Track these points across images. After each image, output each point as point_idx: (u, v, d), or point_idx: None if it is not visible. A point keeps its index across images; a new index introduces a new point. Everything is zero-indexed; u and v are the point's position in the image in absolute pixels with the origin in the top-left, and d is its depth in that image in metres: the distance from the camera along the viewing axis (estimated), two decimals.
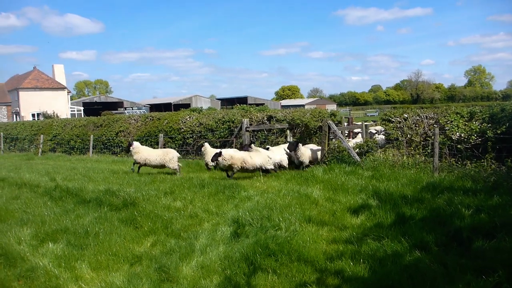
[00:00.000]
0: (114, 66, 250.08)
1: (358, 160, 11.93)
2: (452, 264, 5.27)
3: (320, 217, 7.58)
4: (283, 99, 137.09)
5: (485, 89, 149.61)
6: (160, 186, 10.62)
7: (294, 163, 13.25)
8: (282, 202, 8.41)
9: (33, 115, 52.34)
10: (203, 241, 6.65)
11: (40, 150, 24.93)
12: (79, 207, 9.16)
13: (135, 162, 14.13)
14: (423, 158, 11.43)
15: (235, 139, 16.62)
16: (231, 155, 12.04)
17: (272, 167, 12.46)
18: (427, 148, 11.72)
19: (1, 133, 28.11)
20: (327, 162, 12.60)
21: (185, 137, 18.96)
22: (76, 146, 23.76)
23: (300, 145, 13.06)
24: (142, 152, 14.02)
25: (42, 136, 25.54)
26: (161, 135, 18.52)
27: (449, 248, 5.87)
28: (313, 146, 13.98)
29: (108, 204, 9.00)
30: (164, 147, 17.47)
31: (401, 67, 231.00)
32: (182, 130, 19.22)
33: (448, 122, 11.73)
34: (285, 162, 13.12)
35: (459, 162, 10.82)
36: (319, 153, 13.33)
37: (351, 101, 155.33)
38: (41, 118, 47.11)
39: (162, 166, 13.88)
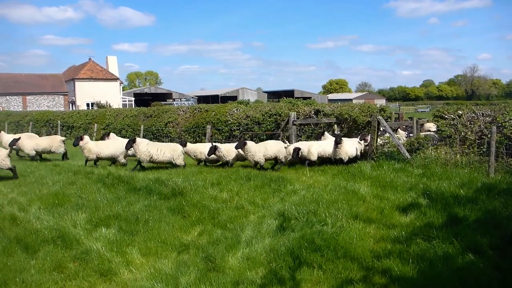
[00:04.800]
0: (164, 58, 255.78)
1: (408, 157, 11.60)
2: (508, 269, 5.04)
3: (367, 214, 7.45)
4: (330, 93, 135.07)
5: None
6: (207, 177, 10.80)
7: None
8: (328, 197, 8.34)
9: (87, 105, 54.72)
10: (249, 233, 6.72)
11: (94, 138, 26.00)
12: (130, 194, 9.50)
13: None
14: (478, 157, 10.95)
15: (281, 132, 16.59)
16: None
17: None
18: (482, 147, 11.21)
19: (59, 121, 29.46)
20: (375, 158, 12.34)
21: (232, 129, 19.14)
22: (127, 136, 24.51)
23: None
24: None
25: (96, 125, 26.61)
26: (208, 126, 18.77)
27: (505, 252, 5.60)
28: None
29: (157, 193, 9.29)
30: (211, 139, 17.72)
31: (456, 62, 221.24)
32: (229, 122, 19.39)
33: (506, 120, 11.15)
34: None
35: None
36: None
37: (401, 96, 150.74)
38: (95, 108, 49.10)
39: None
